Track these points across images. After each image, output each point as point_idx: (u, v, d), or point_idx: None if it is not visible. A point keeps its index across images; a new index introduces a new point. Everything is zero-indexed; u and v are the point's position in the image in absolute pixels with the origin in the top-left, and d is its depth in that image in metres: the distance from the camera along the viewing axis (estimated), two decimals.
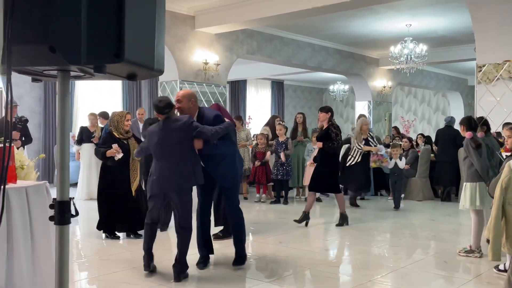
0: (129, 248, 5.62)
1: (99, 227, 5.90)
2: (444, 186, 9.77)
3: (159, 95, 8.57)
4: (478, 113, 5.79)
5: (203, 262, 4.74)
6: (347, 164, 8.71)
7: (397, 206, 8.62)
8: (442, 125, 18.26)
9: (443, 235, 6.66)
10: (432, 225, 7.44)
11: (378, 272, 4.69)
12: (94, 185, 7.57)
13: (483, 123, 5.38)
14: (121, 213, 5.76)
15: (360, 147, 8.55)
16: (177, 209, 4.33)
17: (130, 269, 4.69)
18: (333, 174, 6.79)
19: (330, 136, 6.50)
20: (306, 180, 9.42)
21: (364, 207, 8.92)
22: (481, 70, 5.76)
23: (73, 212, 1.54)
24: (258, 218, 7.96)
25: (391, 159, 8.73)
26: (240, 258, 4.79)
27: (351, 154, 8.72)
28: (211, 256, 4.97)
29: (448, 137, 9.23)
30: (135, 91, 14.06)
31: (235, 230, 4.81)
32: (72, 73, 1.55)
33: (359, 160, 8.60)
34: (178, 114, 4.51)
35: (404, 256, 5.46)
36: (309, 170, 9.31)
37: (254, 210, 8.64)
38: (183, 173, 4.27)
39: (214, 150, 4.43)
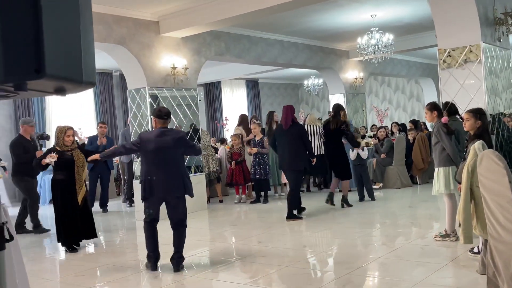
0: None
1: (60, 241, 6.04)
2: None
3: (129, 104, 8.45)
4: (443, 98, 5.82)
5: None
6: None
7: (372, 198, 8.45)
8: (417, 111, 18.56)
9: (420, 221, 6.71)
10: (410, 212, 7.49)
11: (356, 264, 4.69)
12: None
13: (449, 107, 5.41)
14: (71, 225, 5.93)
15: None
16: (175, 209, 4.79)
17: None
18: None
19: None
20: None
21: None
22: (442, 55, 5.79)
23: (7, 236, 1.48)
24: (239, 220, 7.92)
25: (352, 150, 8.61)
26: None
27: None
28: (189, 259, 4.93)
29: None
30: (108, 101, 13.89)
31: None
32: None
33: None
34: None
35: (382, 245, 5.47)
36: None
37: (235, 211, 8.60)
38: (177, 182, 4.74)
39: None
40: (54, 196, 5.99)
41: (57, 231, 6.02)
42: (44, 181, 10.35)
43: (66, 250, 5.96)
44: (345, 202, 7.88)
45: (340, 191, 8.62)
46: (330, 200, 7.87)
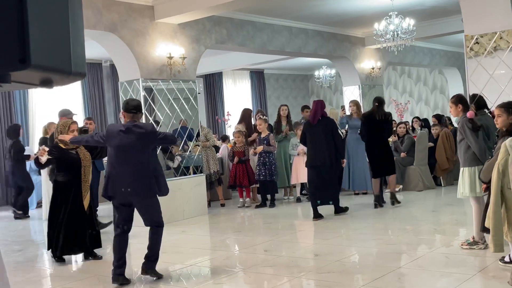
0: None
1: (55, 251, 5.86)
2: None
3: (120, 97, 8.47)
4: (470, 90, 5.81)
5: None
6: None
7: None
8: (441, 105, 18.50)
9: (445, 227, 6.71)
10: (433, 217, 7.49)
11: (373, 275, 4.69)
12: None
13: (477, 100, 5.40)
14: (76, 233, 5.78)
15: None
16: (146, 212, 4.81)
17: None
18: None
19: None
20: (294, 179, 9.37)
21: (362, 201, 8.91)
22: (469, 42, 5.78)
23: None
24: (242, 226, 7.94)
25: None
26: None
27: None
28: (188, 269, 4.94)
29: None
30: (97, 94, 13.94)
31: None
32: None
33: None
34: None
35: (402, 254, 5.48)
36: (296, 167, 9.28)
37: (238, 216, 8.62)
38: (142, 183, 4.67)
39: None
40: (54, 200, 5.83)
41: (49, 238, 5.85)
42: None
43: (52, 258, 5.91)
44: (395, 199, 8.21)
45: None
46: (378, 203, 8.22)
